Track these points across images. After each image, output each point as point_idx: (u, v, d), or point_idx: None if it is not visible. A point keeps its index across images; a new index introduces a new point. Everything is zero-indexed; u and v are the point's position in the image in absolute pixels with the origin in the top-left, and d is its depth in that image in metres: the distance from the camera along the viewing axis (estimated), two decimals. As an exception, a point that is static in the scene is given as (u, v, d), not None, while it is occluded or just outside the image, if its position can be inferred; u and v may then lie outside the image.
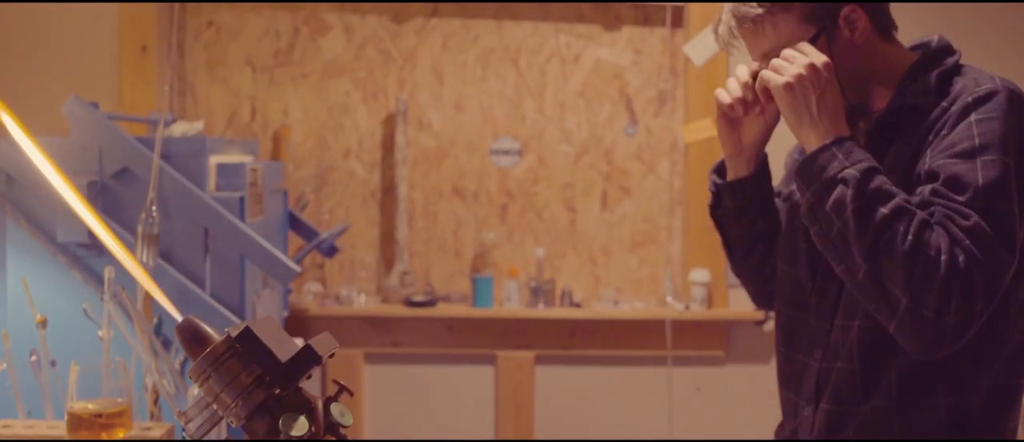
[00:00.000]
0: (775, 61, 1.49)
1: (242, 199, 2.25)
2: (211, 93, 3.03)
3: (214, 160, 2.27)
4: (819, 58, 1.47)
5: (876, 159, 1.46)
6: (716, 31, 1.61)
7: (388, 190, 3.05)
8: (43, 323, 1.96)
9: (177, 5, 2.97)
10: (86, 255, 2.24)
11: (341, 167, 3.04)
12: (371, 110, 3.05)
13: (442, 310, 2.96)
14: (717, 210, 1.76)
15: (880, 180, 1.39)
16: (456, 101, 3.04)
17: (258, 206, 2.37)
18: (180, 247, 2.24)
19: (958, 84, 1.49)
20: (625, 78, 3.06)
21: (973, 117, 1.43)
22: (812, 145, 1.46)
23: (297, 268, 2.22)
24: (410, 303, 2.95)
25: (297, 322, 2.88)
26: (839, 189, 1.40)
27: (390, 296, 2.98)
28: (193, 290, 2.21)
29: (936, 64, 1.54)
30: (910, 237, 1.35)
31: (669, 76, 3.06)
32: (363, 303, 2.97)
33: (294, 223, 2.76)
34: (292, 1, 3.01)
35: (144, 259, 2.00)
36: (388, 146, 3.03)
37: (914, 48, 1.60)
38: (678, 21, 3.02)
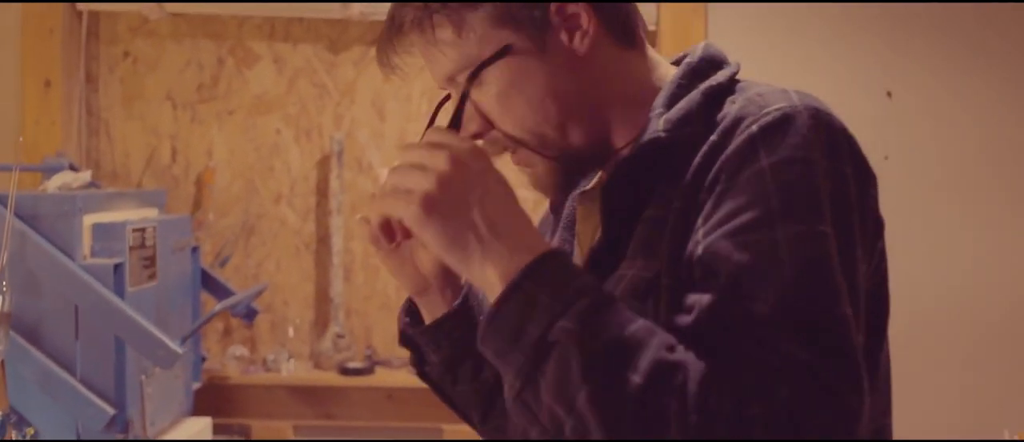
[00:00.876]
0: (390, 175, 0.99)
1: (119, 266, 1.95)
2: (127, 131, 2.73)
3: (89, 220, 1.97)
4: (460, 144, 0.98)
5: (619, 229, 1.06)
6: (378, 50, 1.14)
7: (323, 240, 2.73)
8: None
9: (89, 34, 2.68)
10: (-60, 332, 1.93)
11: (271, 214, 2.74)
12: (305, 150, 2.74)
13: (381, 378, 2.65)
14: (422, 368, 1.27)
15: (617, 318, 0.91)
16: (400, 138, 2.73)
17: (148, 271, 2.06)
18: (48, 325, 1.95)
19: (733, 106, 1.03)
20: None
21: (764, 160, 0.95)
22: (495, 289, 0.94)
23: (178, 351, 1.92)
24: (345, 370, 2.64)
25: (215, 392, 2.57)
26: (555, 358, 0.90)
27: (323, 361, 2.67)
28: (60, 376, 1.91)
29: (700, 79, 1.09)
30: (691, 416, 0.86)
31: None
32: (292, 369, 2.66)
33: (208, 282, 2.45)
34: (227, 24, 2.71)
35: (-9, 344, 1.69)
36: (324, 191, 2.72)
37: (675, 62, 1.15)
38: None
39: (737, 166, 0.97)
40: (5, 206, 1.75)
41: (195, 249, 2.38)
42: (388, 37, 1.09)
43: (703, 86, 1.08)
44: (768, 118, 0.98)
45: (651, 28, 2.63)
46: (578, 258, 1.17)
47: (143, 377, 2.02)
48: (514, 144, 1.10)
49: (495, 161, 1.04)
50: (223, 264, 2.70)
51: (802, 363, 0.88)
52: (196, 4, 2.65)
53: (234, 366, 2.67)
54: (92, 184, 2.30)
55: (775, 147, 0.96)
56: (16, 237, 1.87)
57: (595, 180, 1.20)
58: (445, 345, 1.21)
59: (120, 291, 1.94)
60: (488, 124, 1.10)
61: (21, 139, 1.60)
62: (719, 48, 1.15)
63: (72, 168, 2.34)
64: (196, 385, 2.39)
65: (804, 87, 1.04)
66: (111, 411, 1.90)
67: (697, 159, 1.01)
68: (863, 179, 1.00)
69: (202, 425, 2.32)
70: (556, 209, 1.23)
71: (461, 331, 1.20)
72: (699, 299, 0.93)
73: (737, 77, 1.11)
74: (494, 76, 1.07)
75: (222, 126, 2.73)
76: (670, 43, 2.62)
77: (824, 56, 2.65)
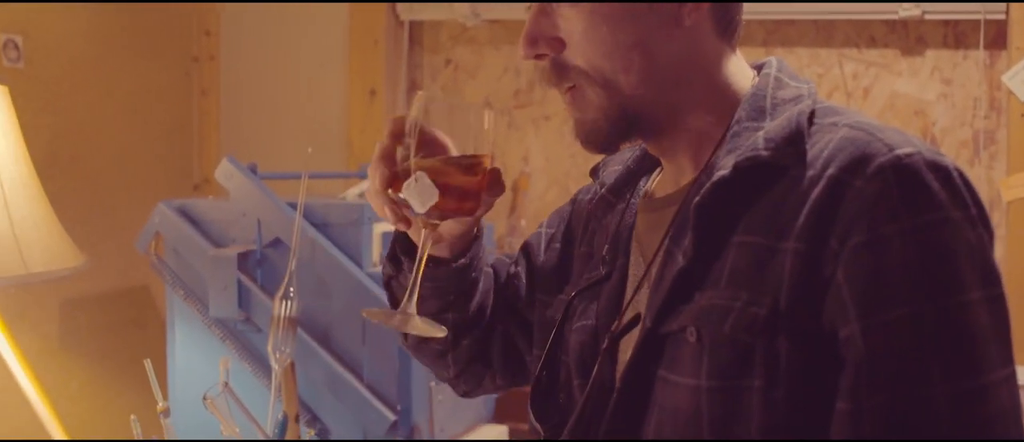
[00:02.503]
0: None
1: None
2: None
3: (379, 228, 2.03)
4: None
5: (711, 250, 1.02)
6: None
7: (637, 249, 2.68)
8: (165, 412, 1.83)
9: (412, 43, 2.78)
10: (246, 330, 2.08)
11: (585, 222, 2.72)
12: (619, 156, 2.70)
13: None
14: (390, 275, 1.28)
15: None
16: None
17: (439, 279, 2.09)
18: (338, 329, 2.03)
19: (832, 137, 1.01)
20: (929, 115, 2.50)
21: (906, 218, 0.94)
22: None
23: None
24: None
25: (519, 399, 2.57)
26: None
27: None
28: (346, 379, 1.98)
29: (786, 95, 1.08)
30: None
31: (990, 113, 2.46)
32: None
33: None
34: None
35: (278, 347, 1.78)
36: (638, 198, 2.67)
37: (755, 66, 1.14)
38: (999, 41, 2.42)
39: (875, 219, 0.95)
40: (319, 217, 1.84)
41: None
42: None
43: (804, 106, 1.06)
44: (903, 168, 0.96)
45: (1000, 16, 2.37)
46: (640, 269, 1.14)
47: (432, 384, 2.05)
48: (582, 78, 1.08)
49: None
50: (533, 272, 2.72)
51: None
52: (512, 8, 2.68)
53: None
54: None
55: (917, 204, 0.95)
56: (308, 244, 1.96)
57: (655, 180, 1.19)
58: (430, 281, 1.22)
59: (406, 299, 1.98)
60: (559, 47, 1.09)
61: (310, 150, 1.67)
62: (788, 64, 1.15)
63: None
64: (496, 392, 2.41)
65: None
66: (392, 416, 1.95)
67: (815, 194, 0.98)
68: (989, 228, 1.00)
69: (498, 432, 2.33)
70: (613, 188, 1.23)
71: (450, 282, 1.24)
72: (856, 388, 0.94)
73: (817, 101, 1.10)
74: (593, 3, 1.07)
75: (538, 132, 2.75)
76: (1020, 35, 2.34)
77: None
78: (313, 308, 1.98)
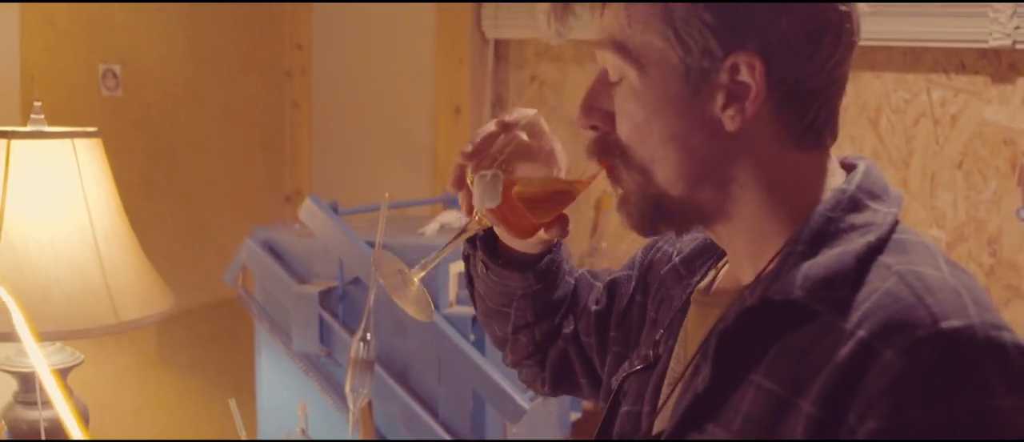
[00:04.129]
0: None
1: (475, 318, 2.05)
2: (533, 154, 2.85)
3: (455, 268, 2.10)
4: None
5: (728, 380, 0.98)
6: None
7: (719, 271, 2.70)
8: (245, 448, 1.93)
9: (498, 60, 2.83)
10: (327, 363, 2.17)
11: (667, 242, 2.75)
12: (702, 177, 2.72)
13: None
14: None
15: None
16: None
17: (514, 315, 2.15)
18: (415, 367, 2.11)
19: (878, 287, 0.91)
20: (1019, 144, 2.47)
21: (938, 406, 0.84)
22: None
23: (526, 407, 2.00)
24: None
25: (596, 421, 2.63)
26: None
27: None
28: (422, 417, 2.07)
29: (854, 218, 0.98)
30: None
31: (1084, 141, 2.43)
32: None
33: (592, 315, 2.52)
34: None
35: (355, 388, 1.87)
36: (720, 220, 2.69)
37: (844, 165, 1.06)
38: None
39: (900, 401, 0.85)
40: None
41: (577, 283, 2.45)
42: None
43: (860, 244, 0.96)
44: (945, 344, 0.85)
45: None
46: (680, 366, 1.11)
47: (506, 421, 2.12)
48: (622, 159, 1.06)
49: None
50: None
51: None
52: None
53: (623, 394, 2.72)
54: (481, 217, 2.44)
55: (955, 388, 0.85)
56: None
57: (722, 267, 1.14)
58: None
59: (480, 340, 2.05)
60: (610, 122, 1.06)
61: (388, 195, 1.73)
62: (880, 174, 1.03)
63: (464, 202, 2.49)
64: (575, 416, 2.47)
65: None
66: (463, 466, 2.03)
67: (841, 356, 0.89)
68: None
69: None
70: (686, 262, 1.21)
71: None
72: None
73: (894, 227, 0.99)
74: (636, 85, 1.02)
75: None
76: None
77: None
78: (391, 346, 2.06)
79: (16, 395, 1.93)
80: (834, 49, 0.99)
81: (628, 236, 2.78)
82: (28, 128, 1.87)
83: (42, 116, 1.90)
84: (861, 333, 0.89)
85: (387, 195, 2.01)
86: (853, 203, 1.00)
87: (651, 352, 1.18)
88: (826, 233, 0.99)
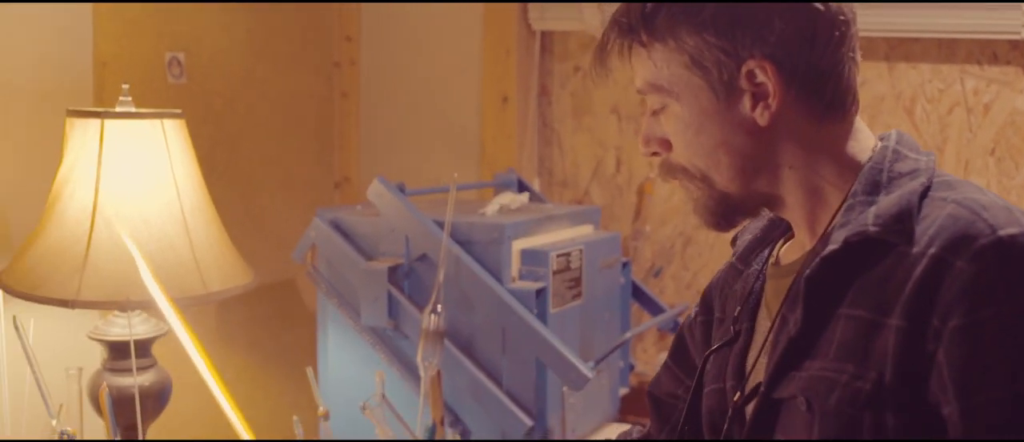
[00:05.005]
0: None
1: (541, 290, 2.17)
2: (577, 143, 2.97)
3: (518, 245, 2.21)
4: None
5: (819, 322, 1.13)
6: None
7: (758, 254, 2.81)
8: (325, 416, 2.03)
9: (543, 51, 2.94)
10: (394, 337, 2.27)
11: (707, 226, 2.86)
12: (742, 164, 2.83)
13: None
14: None
15: None
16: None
17: (573, 291, 2.27)
18: (480, 339, 2.22)
19: (938, 214, 1.09)
20: (1050, 132, 2.58)
21: (1005, 302, 1.02)
22: None
23: (590, 375, 2.10)
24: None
25: (642, 396, 2.74)
26: None
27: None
28: (487, 386, 2.17)
29: (903, 168, 1.17)
30: None
31: (1112, 129, 2.54)
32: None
33: (638, 295, 2.63)
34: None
35: (427, 357, 1.98)
36: (759, 205, 2.80)
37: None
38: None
39: (975, 302, 1.02)
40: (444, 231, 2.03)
41: (626, 264, 2.56)
42: (601, 43, 1.30)
43: (916, 184, 1.13)
44: (1004, 249, 1.03)
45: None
46: (765, 329, 1.25)
47: (565, 389, 2.23)
48: (684, 175, 1.23)
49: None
50: (657, 275, 2.87)
51: None
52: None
53: (665, 373, 2.83)
54: (536, 198, 2.56)
55: (1016, 287, 1.02)
56: (453, 260, 2.14)
57: (784, 246, 1.29)
58: None
59: (543, 313, 2.16)
60: (667, 147, 1.24)
61: (456, 175, 1.84)
62: (911, 137, 1.21)
63: (520, 186, 2.60)
64: (624, 390, 2.58)
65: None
66: (530, 422, 2.13)
67: (918, 271, 1.06)
68: None
69: (624, 430, 2.50)
70: (741, 257, 1.36)
71: None
72: None
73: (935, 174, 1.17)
74: (675, 111, 1.21)
75: (663, 139, 2.89)
76: None
77: None
78: (457, 320, 2.17)
79: (104, 363, 2.04)
80: (830, 33, 1.18)
81: (671, 220, 2.89)
82: (121, 109, 1.98)
83: (130, 98, 2.01)
84: (932, 250, 1.06)
85: (455, 176, 2.13)
86: (896, 156, 1.19)
87: (731, 328, 1.33)
88: (880, 183, 1.16)
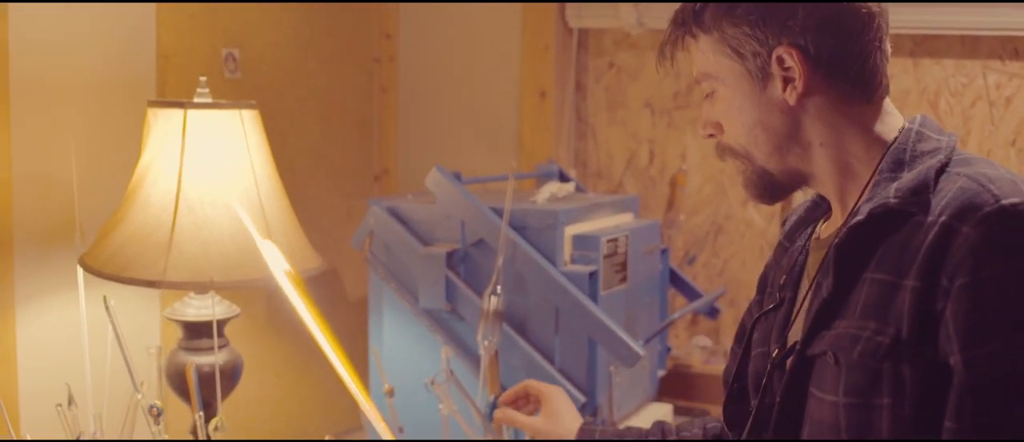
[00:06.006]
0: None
1: (593, 273, 2.28)
2: (611, 136, 3.10)
3: (570, 231, 2.32)
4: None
5: (847, 284, 1.27)
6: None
7: (787, 243, 2.94)
8: (390, 393, 2.14)
9: (579, 48, 3.06)
10: (449, 319, 2.38)
11: (738, 216, 2.99)
12: (771, 156, 2.95)
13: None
14: None
15: None
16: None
17: (619, 275, 2.39)
18: (534, 320, 2.33)
19: (955, 181, 1.23)
20: (1069, 124, 2.72)
21: (1005, 262, 1.16)
22: None
23: (641, 352, 2.22)
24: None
25: (678, 379, 2.88)
26: None
27: (782, 359, 2.89)
28: (542, 365, 2.28)
29: (926, 148, 1.31)
30: None
31: None
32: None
33: (675, 280, 2.76)
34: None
35: (486, 337, 2.09)
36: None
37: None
38: None
39: (978, 262, 1.16)
40: (502, 218, 2.15)
41: (664, 251, 2.69)
42: (664, 39, 1.44)
43: (935, 162, 1.28)
44: (1006, 216, 1.16)
45: None
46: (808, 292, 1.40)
47: (611, 368, 2.35)
48: (731, 153, 1.41)
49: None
50: (691, 262, 3.00)
51: None
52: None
53: (698, 355, 2.96)
54: (578, 189, 2.68)
55: (1015, 248, 1.16)
56: (509, 245, 2.26)
57: (825, 223, 1.45)
58: None
59: (594, 295, 2.28)
60: (719, 129, 1.42)
61: (515, 164, 1.96)
62: (933, 119, 1.36)
63: (562, 176, 2.73)
64: (661, 372, 2.71)
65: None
66: (583, 398, 2.25)
67: (930, 237, 1.20)
68: None
69: (664, 410, 2.63)
70: (787, 235, 1.54)
71: None
72: (960, 410, 1.17)
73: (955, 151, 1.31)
74: (722, 94, 1.39)
75: (695, 131, 3.02)
76: None
77: None
78: (513, 302, 2.29)
79: (180, 342, 2.16)
80: (852, 22, 1.32)
81: (703, 210, 3.02)
82: (202, 100, 2.09)
83: (207, 90, 2.13)
84: (943, 219, 1.20)
85: (514, 164, 2.25)
86: (920, 136, 1.33)
87: (777, 294, 1.50)
88: (903, 161, 1.31)
